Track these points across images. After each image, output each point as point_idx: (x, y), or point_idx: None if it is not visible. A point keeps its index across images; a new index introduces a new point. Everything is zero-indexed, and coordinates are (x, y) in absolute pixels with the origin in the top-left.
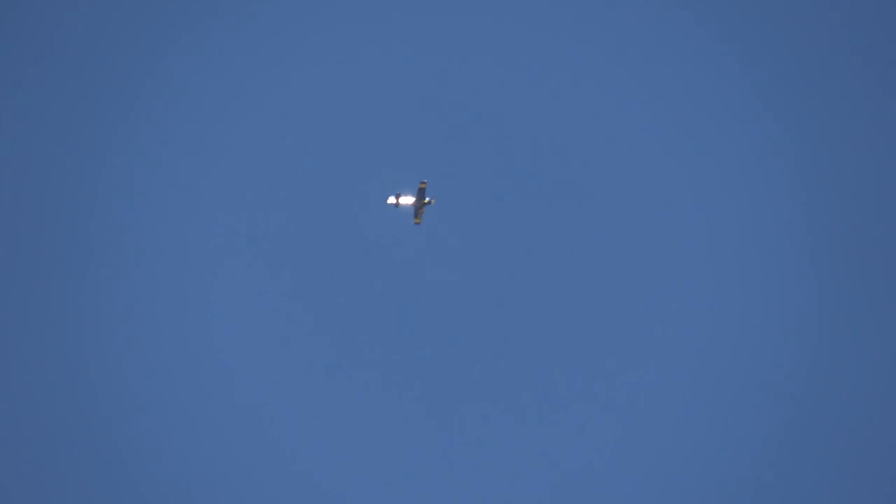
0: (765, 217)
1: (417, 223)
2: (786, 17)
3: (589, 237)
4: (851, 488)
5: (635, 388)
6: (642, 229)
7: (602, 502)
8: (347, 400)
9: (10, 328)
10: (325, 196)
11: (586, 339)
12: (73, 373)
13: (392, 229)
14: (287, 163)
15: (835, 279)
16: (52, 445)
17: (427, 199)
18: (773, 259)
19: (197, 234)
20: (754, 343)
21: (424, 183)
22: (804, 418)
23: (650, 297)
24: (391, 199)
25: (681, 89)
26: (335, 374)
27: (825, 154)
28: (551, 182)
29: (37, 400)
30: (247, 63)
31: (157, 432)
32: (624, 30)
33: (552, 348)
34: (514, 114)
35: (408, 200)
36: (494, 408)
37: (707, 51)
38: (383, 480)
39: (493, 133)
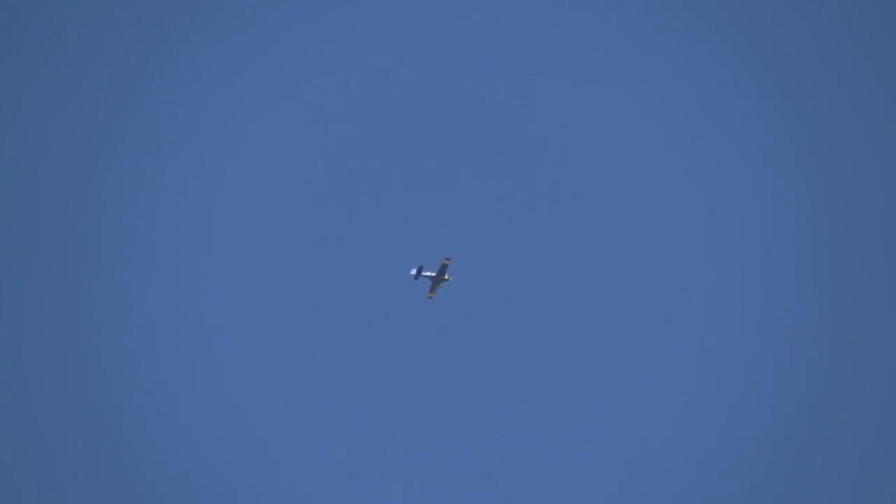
0: (764, 217)
1: (430, 297)
2: (785, 17)
3: (587, 239)
4: (852, 489)
5: (635, 389)
6: (641, 231)
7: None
8: (344, 401)
9: (9, 327)
10: (324, 196)
11: (585, 341)
12: (72, 372)
13: (390, 232)
14: (288, 163)
15: (834, 280)
16: (49, 443)
17: (447, 276)
18: (772, 260)
19: (196, 234)
20: (753, 346)
21: (448, 259)
22: (804, 420)
23: (649, 298)
24: (413, 271)
25: (680, 90)
26: (331, 377)
27: (824, 154)
28: (549, 183)
29: (34, 398)
30: (248, 65)
31: (152, 433)
32: (624, 30)
33: (550, 350)
34: (510, 113)
35: (428, 274)
36: (493, 410)
37: (706, 51)
38: (381, 481)
39: (489, 134)
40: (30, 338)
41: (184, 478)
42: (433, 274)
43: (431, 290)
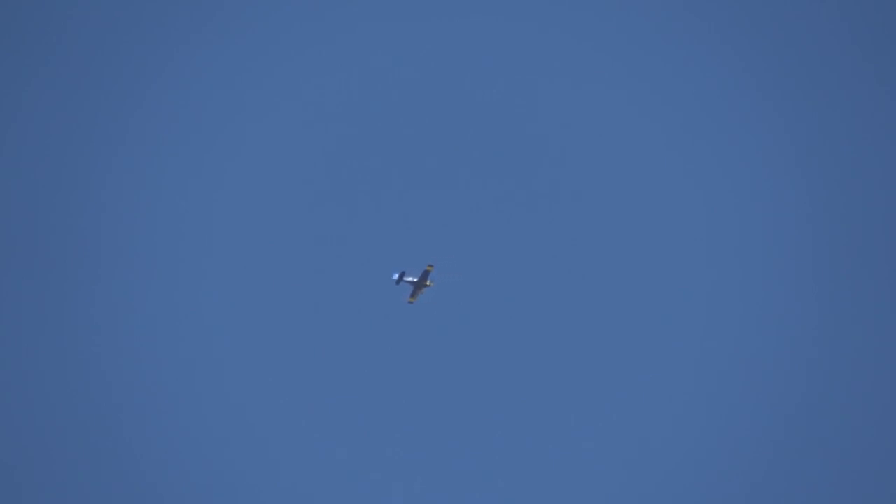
0: (764, 218)
1: (411, 302)
2: (785, 17)
3: (587, 239)
4: (852, 488)
5: (635, 389)
6: (641, 231)
7: None
8: (344, 401)
9: (9, 327)
10: (324, 196)
11: (585, 341)
12: (72, 372)
13: (389, 232)
14: (288, 163)
15: (834, 280)
16: (49, 443)
17: (428, 282)
18: (772, 260)
19: (196, 234)
20: (753, 346)
21: (431, 266)
22: (804, 420)
23: (649, 298)
24: (395, 276)
25: (680, 91)
26: (331, 377)
27: (824, 154)
28: (549, 183)
29: (34, 398)
30: (248, 65)
31: (152, 433)
32: (624, 30)
33: (550, 350)
34: (510, 114)
35: (410, 280)
36: (493, 410)
37: (706, 51)
38: (381, 481)
39: (489, 134)
40: (30, 338)
41: (184, 478)
42: (415, 279)
43: (412, 296)
